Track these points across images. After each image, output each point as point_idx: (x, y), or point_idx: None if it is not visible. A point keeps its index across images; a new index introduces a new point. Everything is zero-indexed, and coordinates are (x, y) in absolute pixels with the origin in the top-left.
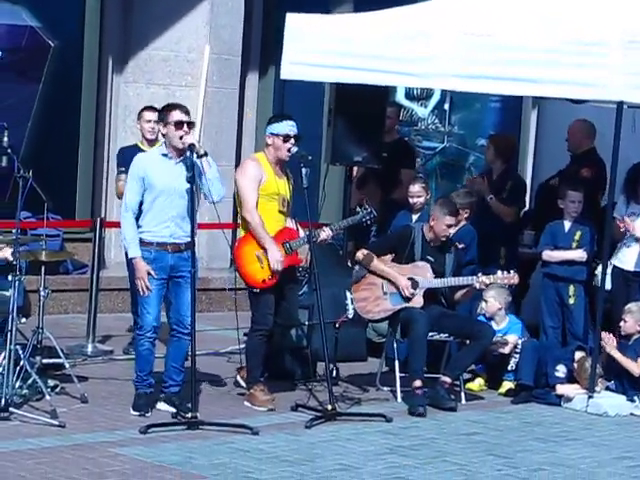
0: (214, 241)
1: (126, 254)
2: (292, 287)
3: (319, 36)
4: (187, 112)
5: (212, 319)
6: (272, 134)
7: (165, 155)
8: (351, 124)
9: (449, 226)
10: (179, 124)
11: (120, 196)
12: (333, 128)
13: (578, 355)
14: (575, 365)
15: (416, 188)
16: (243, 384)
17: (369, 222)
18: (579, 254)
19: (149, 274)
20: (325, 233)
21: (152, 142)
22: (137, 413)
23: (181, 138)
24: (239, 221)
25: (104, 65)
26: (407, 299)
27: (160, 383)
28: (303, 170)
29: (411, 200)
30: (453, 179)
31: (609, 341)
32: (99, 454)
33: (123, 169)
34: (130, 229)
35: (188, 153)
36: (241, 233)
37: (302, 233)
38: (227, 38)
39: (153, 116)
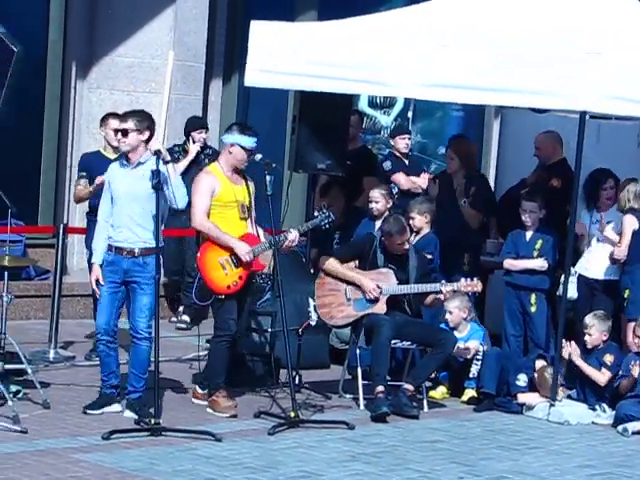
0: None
1: (89, 260)
2: (248, 296)
3: (283, 43)
4: (128, 119)
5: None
6: (238, 145)
7: (122, 163)
8: (315, 132)
9: (401, 244)
10: (115, 132)
11: (77, 200)
12: (297, 135)
13: (539, 364)
14: (536, 374)
15: (374, 193)
16: (200, 403)
17: (327, 226)
18: (540, 263)
19: (97, 281)
20: (292, 235)
21: (116, 149)
22: (84, 409)
23: (119, 142)
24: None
25: (68, 71)
26: (372, 302)
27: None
28: (267, 177)
29: (369, 205)
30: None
31: (573, 350)
32: (61, 460)
33: (84, 174)
34: (100, 237)
35: (154, 159)
36: (202, 241)
37: (264, 239)
38: (191, 45)
39: (117, 123)
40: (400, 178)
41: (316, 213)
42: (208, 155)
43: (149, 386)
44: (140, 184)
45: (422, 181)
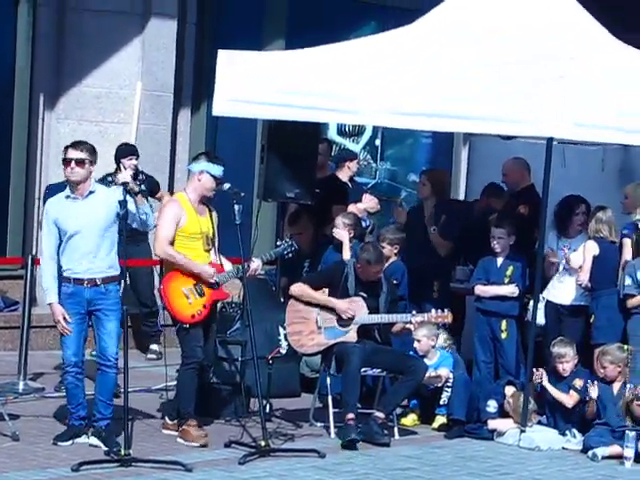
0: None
1: None
2: (213, 325)
3: (251, 73)
4: (84, 149)
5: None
6: (207, 172)
7: (68, 197)
8: (283, 160)
9: (377, 272)
10: (67, 161)
11: None
12: (266, 164)
13: (509, 390)
14: (506, 400)
15: (336, 220)
16: (171, 434)
17: (290, 255)
18: (510, 289)
19: (64, 318)
20: (255, 264)
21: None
22: (54, 441)
23: (70, 173)
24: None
25: (35, 101)
26: (343, 330)
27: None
28: (235, 207)
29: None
30: (385, 215)
31: (542, 375)
32: None
33: None
34: (48, 275)
35: (121, 191)
36: (165, 271)
37: (228, 267)
38: (159, 75)
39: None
40: (351, 209)
41: (279, 242)
42: (142, 181)
43: (118, 416)
44: (96, 214)
45: (366, 203)
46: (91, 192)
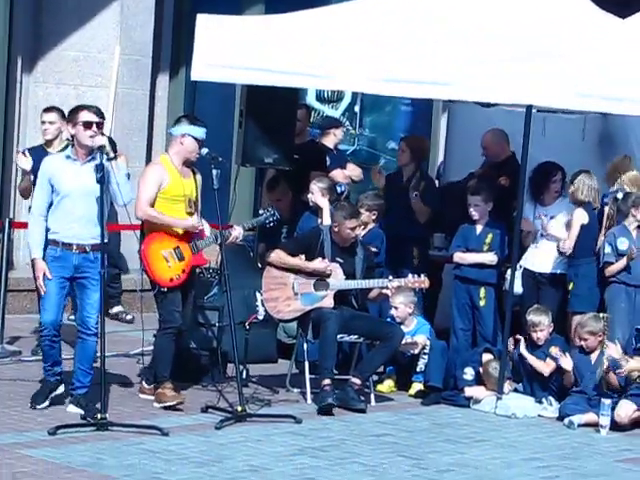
0: (125, 242)
1: None
2: (192, 291)
3: (230, 37)
4: (97, 113)
5: (126, 322)
6: (189, 135)
7: (69, 157)
8: (262, 126)
9: (353, 229)
10: (88, 124)
11: (23, 195)
12: (244, 129)
13: (485, 357)
14: (482, 368)
15: (311, 185)
16: (148, 398)
17: (272, 224)
18: (490, 257)
19: (44, 275)
20: (237, 231)
21: (49, 142)
22: (31, 404)
23: (91, 137)
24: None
25: (13, 65)
26: (319, 296)
27: (68, 385)
28: (214, 171)
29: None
30: (364, 182)
31: (521, 344)
32: (8, 455)
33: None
34: (35, 232)
35: (98, 155)
36: (145, 233)
37: (209, 233)
38: (138, 39)
39: (49, 117)
40: (337, 174)
41: (261, 211)
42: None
43: (95, 381)
44: (92, 180)
45: (352, 172)
46: (93, 158)
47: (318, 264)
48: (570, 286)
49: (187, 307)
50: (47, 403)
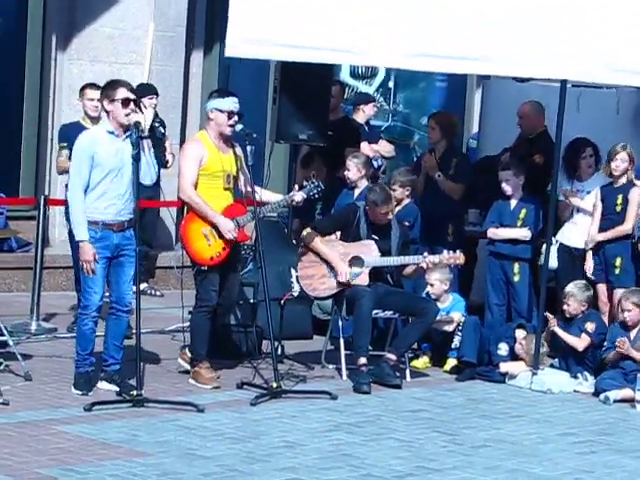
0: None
1: (69, 232)
2: (235, 266)
3: (264, 13)
4: (132, 90)
5: (156, 297)
6: (215, 109)
7: (112, 133)
8: (296, 102)
9: (384, 214)
10: (126, 102)
11: (60, 172)
12: (278, 106)
13: (520, 333)
14: (517, 343)
15: (347, 161)
16: (185, 366)
17: (317, 195)
18: (523, 232)
19: (94, 257)
20: (298, 196)
21: (95, 119)
22: (79, 392)
23: (127, 115)
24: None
25: (48, 42)
26: (357, 274)
27: (100, 362)
28: (248, 148)
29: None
30: (398, 157)
31: (552, 321)
32: (43, 432)
33: (65, 145)
34: (80, 210)
35: (133, 131)
36: (187, 211)
37: (275, 197)
38: (171, 15)
39: (95, 94)
40: (364, 147)
41: (305, 183)
42: (160, 123)
43: (129, 358)
44: (128, 156)
45: (382, 148)
46: (129, 135)
47: (342, 267)
48: (617, 261)
49: (233, 283)
50: (92, 392)
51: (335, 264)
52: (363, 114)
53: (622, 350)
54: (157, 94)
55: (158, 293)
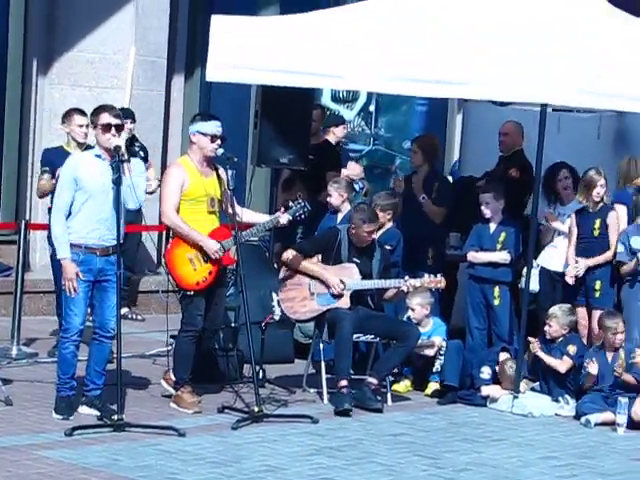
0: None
1: (52, 256)
2: (221, 290)
3: (245, 38)
4: (117, 115)
5: (137, 322)
6: (198, 132)
7: (99, 156)
8: (277, 126)
9: (369, 233)
10: (107, 127)
11: (40, 195)
12: (259, 130)
13: (502, 356)
14: (499, 367)
15: (328, 187)
16: (168, 388)
17: (303, 216)
18: (503, 256)
19: (77, 276)
20: (284, 218)
21: (82, 145)
22: (60, 417)
23: (109, 140)
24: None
25: (29, 66)
26: (335, 297)
27: (82, 386)
28: (229, 172)
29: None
30: (379, 181)
31: (534, 344)
32: (24, 457)
33: (46, 169)
34: (61, 230)
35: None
36: (172, 236)
37: (262, 218)
38: (153, 40)
39: (84, 120)
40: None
41: (291, 203)
42: (141, 148)
43: (111, 382)
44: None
45: (350, 171)
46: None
47: (332, 278)
48: (597, 285)
49: (220, 306)
50: (73, 417)
51: (326, 278)
52: (334, 136)
53: (590, 370)
54: (134, 119)
55: (139, 317)
